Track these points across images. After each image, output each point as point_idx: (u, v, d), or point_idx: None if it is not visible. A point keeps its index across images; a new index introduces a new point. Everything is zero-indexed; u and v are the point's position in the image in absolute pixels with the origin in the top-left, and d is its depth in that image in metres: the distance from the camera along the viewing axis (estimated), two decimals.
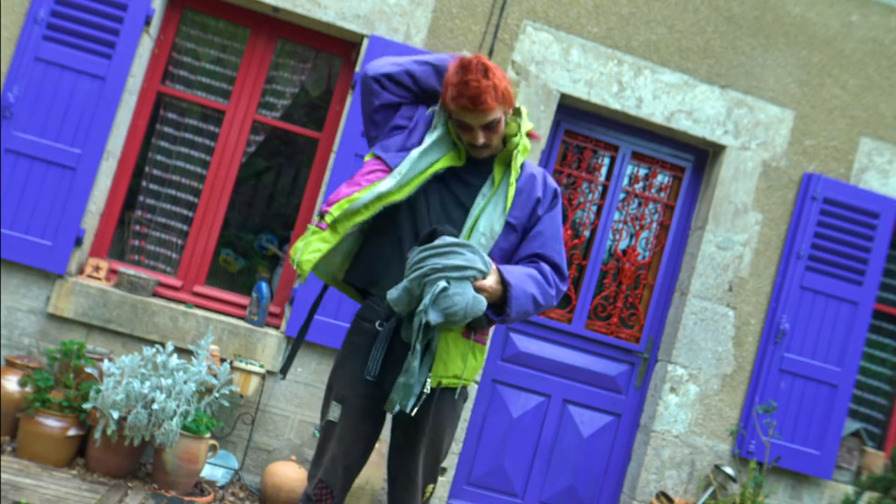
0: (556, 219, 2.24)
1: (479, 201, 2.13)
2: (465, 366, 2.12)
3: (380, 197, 2.06)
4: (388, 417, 2.24)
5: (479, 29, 4.12)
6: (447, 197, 2.15)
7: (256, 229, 6.30)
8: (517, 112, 2.22)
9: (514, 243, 2.19)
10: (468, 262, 1.95)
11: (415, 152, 2.10)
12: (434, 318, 1.92)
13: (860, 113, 4.38)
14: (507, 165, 2.18)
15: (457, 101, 2.05)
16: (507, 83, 2.11)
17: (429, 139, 2.13)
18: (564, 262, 2.22)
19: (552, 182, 2.27)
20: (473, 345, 2.15)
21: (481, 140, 2.11)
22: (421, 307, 1.94)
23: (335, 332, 3.85)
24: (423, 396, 2.03)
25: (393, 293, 1.99)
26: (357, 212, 2.06)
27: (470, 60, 2.06)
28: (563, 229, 4.31)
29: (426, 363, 2.01)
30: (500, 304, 2.04)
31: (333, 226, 2.06)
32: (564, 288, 2.21)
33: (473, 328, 2.10)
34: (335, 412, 2.13)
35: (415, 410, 2.01)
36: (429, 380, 2.03)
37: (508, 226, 2.16)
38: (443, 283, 1.92)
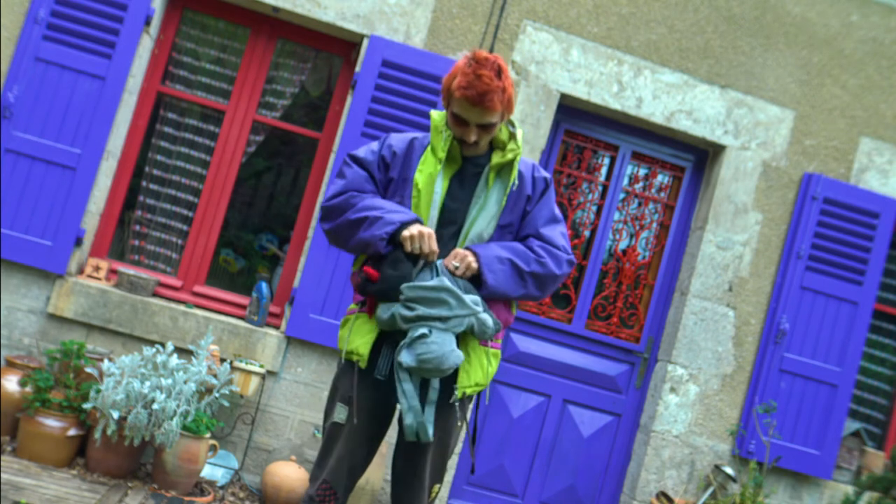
0: (546, 204, 2.23)
1: (472, 211, 2.15)
2: (483, 372, 2.15)
3: None
4: (394, 418, 2.24)
5: (479, 29, 4.12)
6: (446, 199, 2.16)
7: (256, 229, 6.30)
8: (509, 121, 2.23)
9: (511, 240, 2.22)
10: (452, 313, 1.99)
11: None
12: (406, 360, 1.98)
13: (860, 113, 4.38)
14: (501, 171, 2.18)
15: (464, 92, 2.02)
16: (513, 90, 2.10)
17: (426, 170, 2.15)
18: (558, 238, 2.20)
19: (541, 173, 2.26)
20: (489, 350, 2.17)
21: (473, 138, 2.10)
22: (399, 346, 2.00)
23: (336, 333, 3.85)
24: (454, 407, 2.13)
25: (383, 314, 2.04)
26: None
27: (487, 57, 2.04)
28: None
29: (430, 399, 2.06)
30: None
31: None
32: (565, 255, 2.19)
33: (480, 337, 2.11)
34: (341, 414, 2.13)
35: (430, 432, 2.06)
36: (455, 391, 2.09)
37: (501, 228, 2.17)
38: (423, 330, 1.97)
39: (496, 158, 2.16)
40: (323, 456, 2.18)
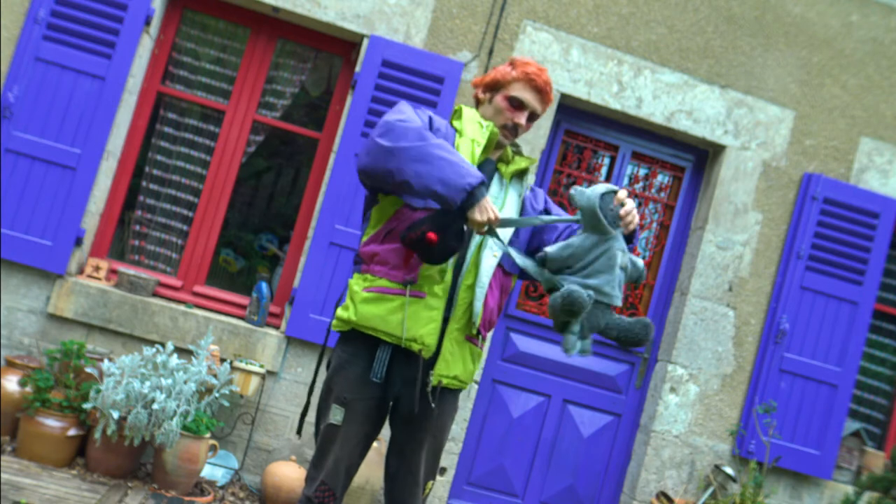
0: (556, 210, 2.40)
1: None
2: (464, 369, 2.15)
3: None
4: (387, 418, 2.23)
5: (479, 29, 4.12)
6: None
7: (256, 229, 6.30)
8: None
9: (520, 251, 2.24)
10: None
11: None
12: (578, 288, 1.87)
13: (860, 113, 4.38)
14: (514, 177, 2.27)
15: (534, 77, 2.22)
16: None
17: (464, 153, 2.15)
18: None
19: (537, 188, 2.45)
20: (472, 348, 2.17)
21: (523, 121, 2.24)
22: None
23: (335, 332, 3.84)
24: (427, 391, 2.08)
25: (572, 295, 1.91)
26: (443, 269, 2.07)
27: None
28: None
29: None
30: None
31: (432, 291, 2.06)
32: None
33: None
34: (337, 415, 2.12)
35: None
36: (430, 377, 2.06)
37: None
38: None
39: (512, 166, 2.26)
40: (319, 457, 2.17)
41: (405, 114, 2.06)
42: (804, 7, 4.35)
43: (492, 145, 2.21)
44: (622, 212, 1.95)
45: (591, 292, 1.87)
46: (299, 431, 2.31)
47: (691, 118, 4.25)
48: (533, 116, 2.27)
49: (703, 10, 4.28)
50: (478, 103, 2.32)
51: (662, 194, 4.48)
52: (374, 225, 2.15)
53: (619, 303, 1.95)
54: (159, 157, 4.28)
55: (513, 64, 2.26)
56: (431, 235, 1.92)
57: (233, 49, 4.31)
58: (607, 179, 4.44)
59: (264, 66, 4.23)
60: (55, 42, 3.83)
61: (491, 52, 4.11)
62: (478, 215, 1.92)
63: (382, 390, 2.12)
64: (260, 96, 4.24)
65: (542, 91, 2.24)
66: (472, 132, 2.17)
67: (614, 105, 4.19)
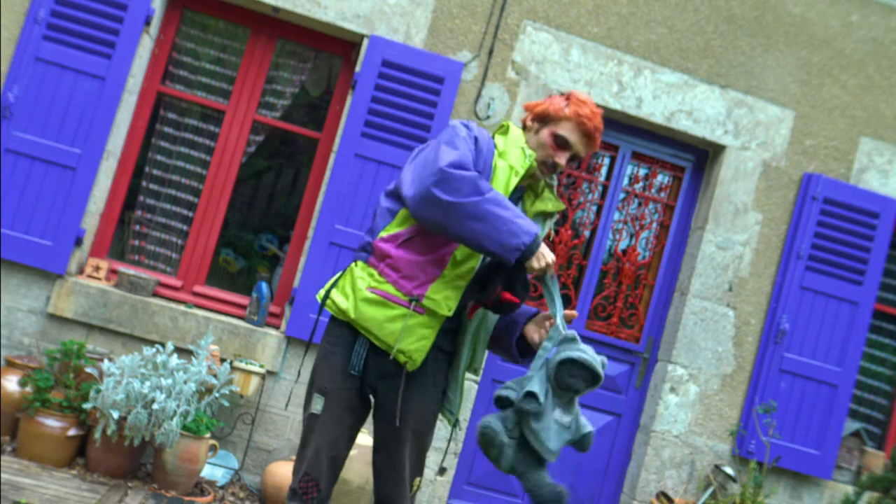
0: None
1: None
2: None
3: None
4: (371, 409, 2.25)
5: (479, 29, 4.12)
6: None
7: (256, 229, 6.30)
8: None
9: None
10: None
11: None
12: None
13: (860, 113, 4.38)
14: (536, 214, 2.23)
15: (586, 121, 2.13)
16: None
17: (500, 179, 2.12)
18: None
19: None
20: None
21: (564, 161, 2.17)
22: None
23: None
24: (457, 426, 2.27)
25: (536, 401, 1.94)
26: (448, 297, 2.09)
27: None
28: (564, 228, 4.35)
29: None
30: None
31: (433, 311, 2.06)
32: None
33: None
34: (318, 404, 2.13)
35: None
36: (452, 416, 2.25)
37: None
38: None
39: (539, 204, 2.22)
40: (303, 448, 2.19)
41: (459, 150, 2.00)
42: (804, 7, 4.35)
43: (528, 176, 2.18)
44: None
45: (512, 434, 1.91)
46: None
47: (691, 118, 4.25)
48: (575, 157, 2.20)
49: (703, 10, 4.28)
50: (524, 127, 2.24)
51: (662, 194, 4.48)
52: (398, 223, 2.10)
53: (553, 459, 1.96)
54: (159, 157, 4.28)
55: (568, 99, 2.16)
56: (508, 295, 1.99)
57: (233, 49, 4.31)
58: (607, 180, 4.44)
59: (264, 66, 4.23)
60: (55, 42, 3.83)
61: (491, 52, 4.11)
62: (535, 263, 1.95)
63: (360, 381, 2.14)
64: (260, 96, 4.24)
65: (590, 136, 2.15)
66: (513, 158, 2.13)
67: (614, 105, 4.19)
